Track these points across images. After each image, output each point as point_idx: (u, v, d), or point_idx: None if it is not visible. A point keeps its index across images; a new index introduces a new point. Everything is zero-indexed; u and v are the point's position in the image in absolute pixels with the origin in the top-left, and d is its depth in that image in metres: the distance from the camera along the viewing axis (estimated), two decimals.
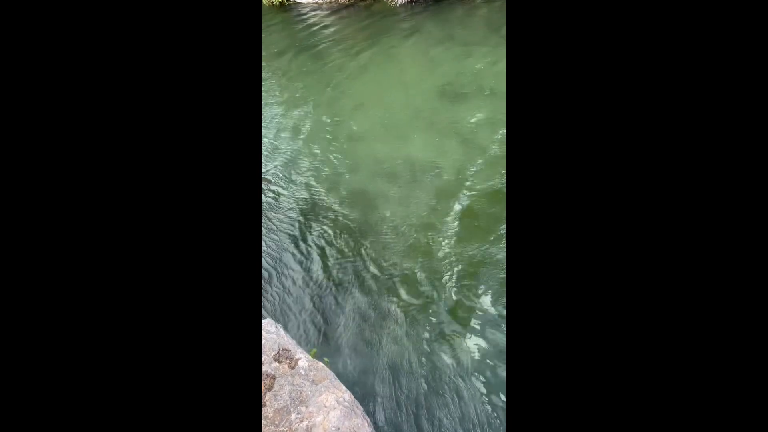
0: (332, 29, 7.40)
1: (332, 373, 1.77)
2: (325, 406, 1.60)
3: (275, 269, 3.16)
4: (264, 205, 3.77)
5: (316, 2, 8.24)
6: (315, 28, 7.51)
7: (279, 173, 4.17)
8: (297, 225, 3.53)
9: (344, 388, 1.70)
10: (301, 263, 3.18)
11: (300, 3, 8.33)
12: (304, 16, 7.95)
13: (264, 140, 4.74)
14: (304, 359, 1.81)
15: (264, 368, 1.77)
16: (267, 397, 1.66)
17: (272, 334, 1.91)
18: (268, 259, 3.24)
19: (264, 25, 7.88)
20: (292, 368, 1.78)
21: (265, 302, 2.94)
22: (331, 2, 8.16)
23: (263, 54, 6.77)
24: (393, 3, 7.78)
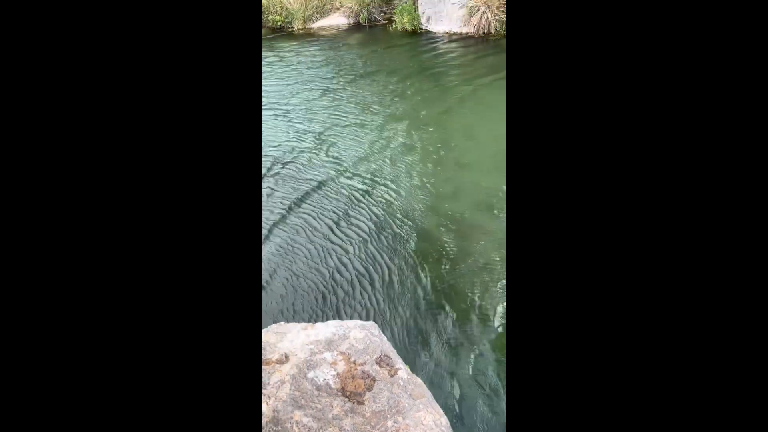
0: (455, 56, 7.61)
1: (430, 393, 1.79)
2: (423, 424, 1.62)
3: (376, 278, 3.30)
4: (369, 217, 3.97)
5: (447, 32, 8.55)
6: (439, 53, 7.80)
7: (383, 188, 4.36)
8: (396, 242, 3.65)
9: (441, 411, 1.70)
10: (397, 277, 3.28)
11: (431, 31, 8.72)
12: (432, 42, 8.30)
13: (366, 154, 5.00)
14: (403, 371, 1.85)
15: (365, 368, 1.85)
16: (366, 396, 1.73)
17: (376, 337, 1.99)
18: (370, 266, 3.41)
19: (390, 45, 8.39)
20: (392, 376, 1.83)
21: (366, 307, 3.08)
22: (461, 34, 8.42)
23: (383, 72, 7.20)
24: None
